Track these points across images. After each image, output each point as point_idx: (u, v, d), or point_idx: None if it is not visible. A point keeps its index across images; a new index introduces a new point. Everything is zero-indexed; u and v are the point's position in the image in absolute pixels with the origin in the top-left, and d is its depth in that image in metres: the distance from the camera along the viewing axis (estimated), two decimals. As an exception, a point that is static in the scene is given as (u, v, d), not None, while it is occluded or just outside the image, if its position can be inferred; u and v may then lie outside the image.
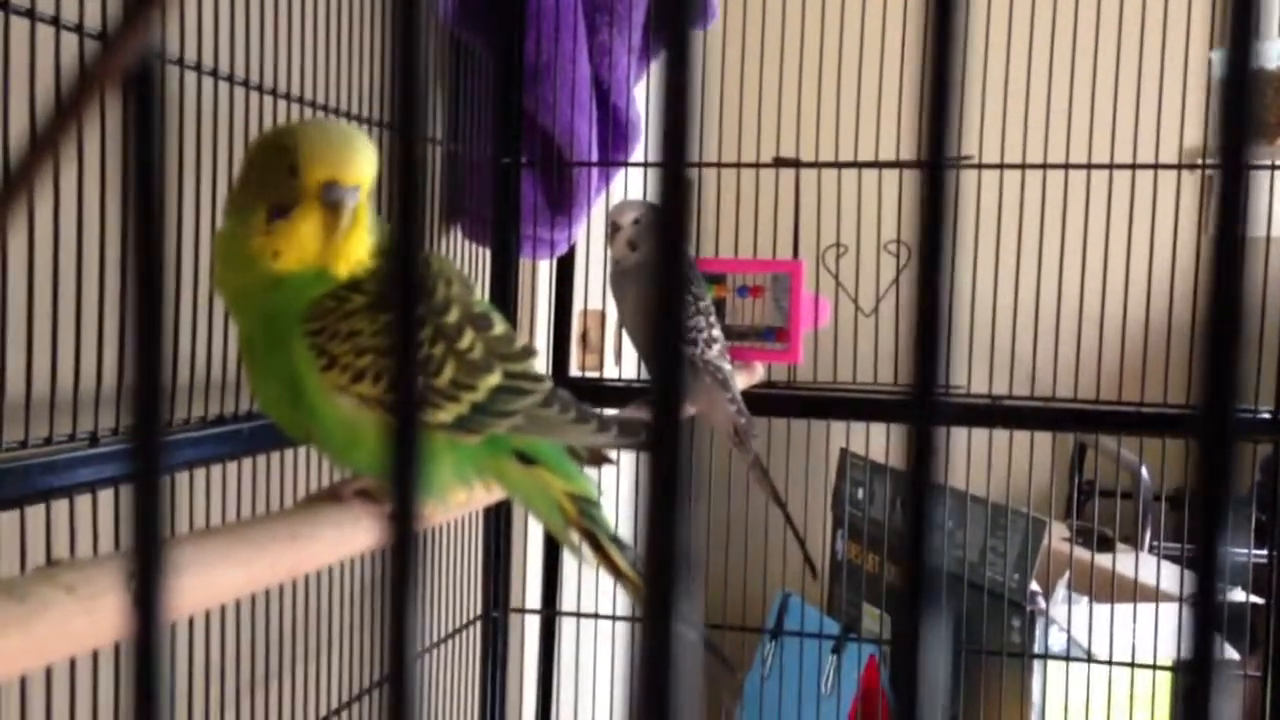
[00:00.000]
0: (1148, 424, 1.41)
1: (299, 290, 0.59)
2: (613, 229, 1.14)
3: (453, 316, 0.61)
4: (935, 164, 0.18)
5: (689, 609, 0.18)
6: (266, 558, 0.49)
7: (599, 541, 0.65)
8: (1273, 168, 1.31)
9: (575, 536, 0.65)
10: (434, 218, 1.32)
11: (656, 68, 1.50)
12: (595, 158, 1.37)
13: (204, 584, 0.46)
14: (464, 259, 1.37)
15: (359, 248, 0.59)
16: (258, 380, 0.62)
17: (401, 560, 0.20)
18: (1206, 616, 0.18)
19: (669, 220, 0.18)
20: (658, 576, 0.18)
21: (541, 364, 1.07)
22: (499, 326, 0.63)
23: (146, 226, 0.19)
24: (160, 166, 0.19)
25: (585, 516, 0.65)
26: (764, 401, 1.34)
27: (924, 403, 0.19)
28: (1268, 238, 1.14)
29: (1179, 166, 1.40)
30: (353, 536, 0.55)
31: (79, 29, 0.76)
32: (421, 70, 0.18)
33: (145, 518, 0.22)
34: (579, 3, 1.32)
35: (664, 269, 0.18)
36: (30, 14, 0.73)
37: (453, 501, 0.65)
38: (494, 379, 0.61)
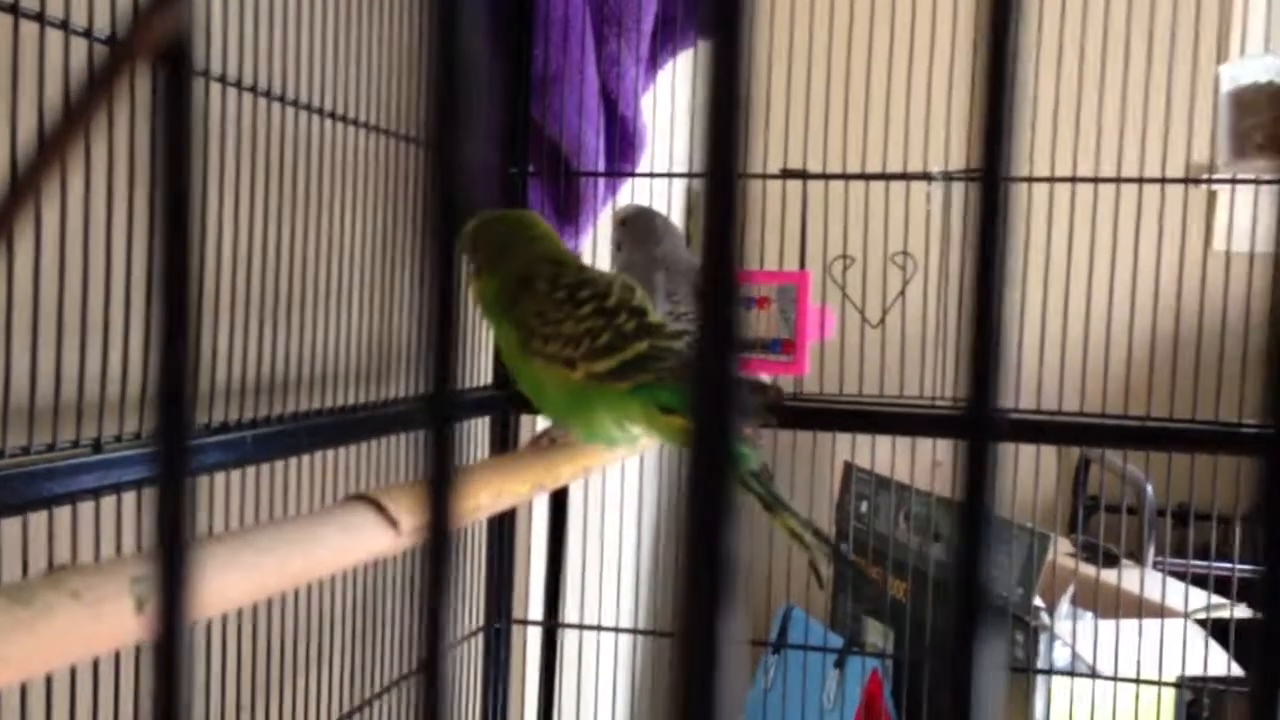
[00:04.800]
0: (1154, 438, 1.40)
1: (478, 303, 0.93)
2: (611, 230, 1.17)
3: (611, 301, 0.86)
4: (992, 179, 0.18)
5: (734, 621, 0.18)
6: (273, 564, 0.48)
7: (741, 476, 0.75)
8: (1277, 182, 1.31)
9: None
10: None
11: (680, 76, 1.50)
12: (602, 167, 1.37)
13: (210, 590, 0.45)
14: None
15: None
16: (508, 366, 0.92)
17: (438, 550, 0.20)
18: (1274, 637, 0.17)
19: (718, 227, 0.17)
20: (700, 586, 0.17)
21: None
22: (655, 318, 0.87)
23: (174, 233, 0.18)
24: (189, 174, 0.18)
25: None
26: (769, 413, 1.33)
27: (981, 419, 0.18)
28: (1277, 254, 1.13)
29: (1186, 181, 1.40)
30: (360, 543, 0.55)
31: (88, 34, 0.76)
32: (461, 87, 0.18)
33: (169, 523, 0.22)
34: (587, 13, 1.32)
35: (715, 274, 0.17)
36: (40, 18, 0.73)
37: (617, 445, 0.89)
38: (641, 347, 0.84)
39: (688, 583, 0.18)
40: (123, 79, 0.18)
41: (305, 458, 1.03)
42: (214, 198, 0.90)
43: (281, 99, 0.98)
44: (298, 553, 0.49)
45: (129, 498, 0.82)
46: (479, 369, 1.39)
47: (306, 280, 1.04)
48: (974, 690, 0.19)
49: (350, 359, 1.13)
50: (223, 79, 0.90)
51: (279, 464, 1.00)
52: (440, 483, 0.21)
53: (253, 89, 0.94)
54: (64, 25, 0.75)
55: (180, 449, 0.22)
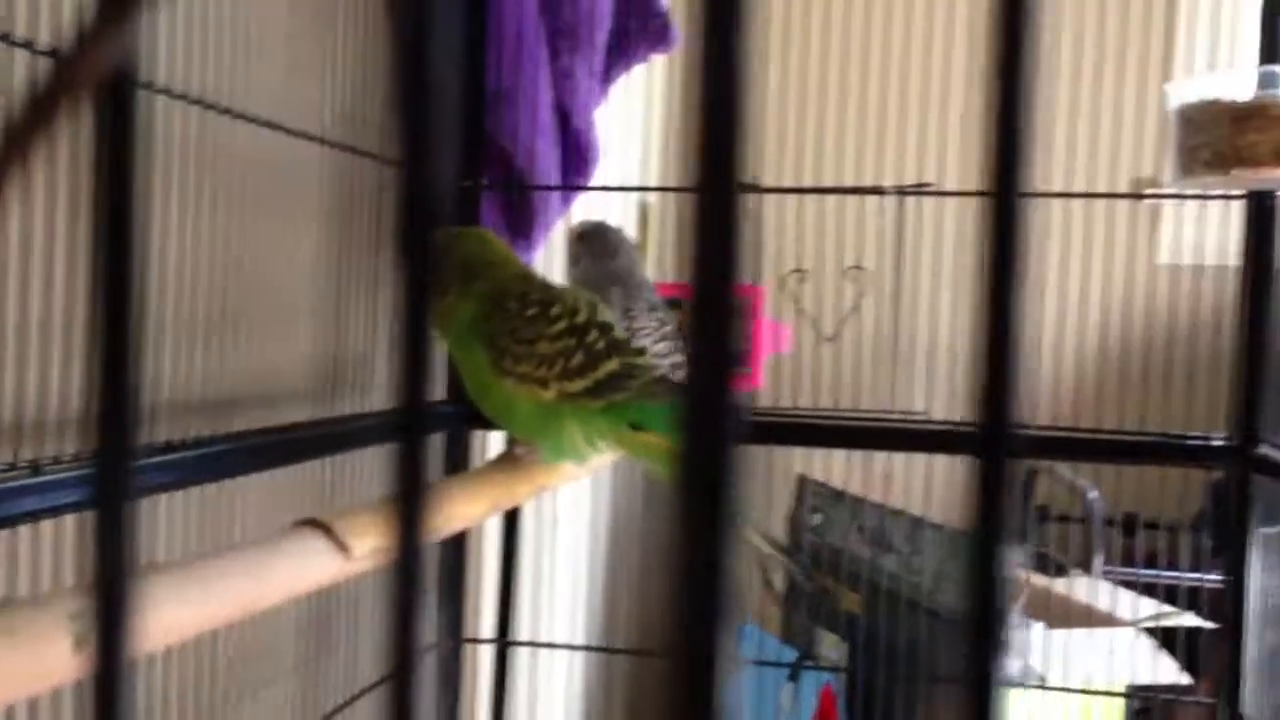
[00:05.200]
0: (1103, 451, 1.42)
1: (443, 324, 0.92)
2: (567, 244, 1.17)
3: (581, 318, 0.87)
4: (1007, 197, 0.17)
5: (731, 640, 0.17)
6: (222, 595, 0.46)
7: None
8: (1227, 198, 1.32)
9: None
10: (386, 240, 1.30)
11: (634, 90, 1.49)
12: (556, 181, 1.36)
13: (156, 624, 0.43)
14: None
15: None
16: (467, 383, 0.93)
17: (409, 570, 0.19)
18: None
19: (715, 241, 0.16)
20: (696, 606, 0.16)
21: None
22: (619, 333, 0.90)
23: (118, 252, 0.17)
24: (135, 193, 0.17)
25: None
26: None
27: (997, 437, 0.17)
28: (1243, 272, 1.14)
29: (1133, 196, 1.42)
30: (311, 569, 0.53)
31: (29, 46, 0.74)
32: (434, 110, 0.17)
33: (109, 555, 0.21)
34: (540, 26, 1.31)
35: (709, 293, 0.16)
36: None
37: (584, 462, 0.91)
38: (612, 365, 0.86)
39: (682, 603, 0.17)
40: (64, 105, 0.17)
41: (252, 477, 1.00)
42: (158, 211, 0.88)
43: (229, 112, 0.96)
44: (247, 583, 0.48)
45: (70, 521, 0.79)
46: (432, 383, 1.37)
47: (254, 295, 1.02)
48: (990, 712, 0.18)
49: (298, 376, 1.11)
50: (168, 91, 0.88)
51: (224, 484, 0.97)
52: (412, 498, 0.21)
53: (199, 102, 0.92)
54: (4, 38, 0.73)
55: (122, 474, 0.21)
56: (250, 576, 0.50)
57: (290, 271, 1.08)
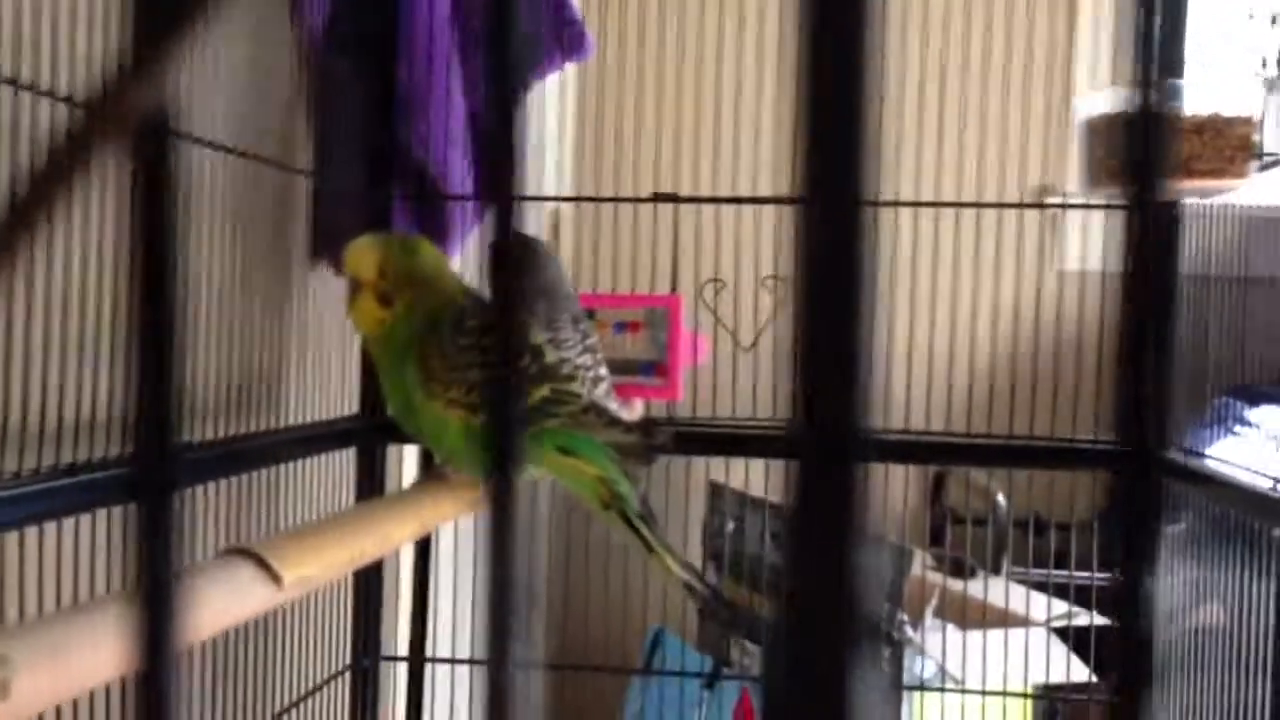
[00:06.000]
0: (1013, 456, 1.44)
1: (385, 337, 0.90)
2: None
3: None
4: (1139, 203, 0.16)
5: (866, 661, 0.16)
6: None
7: (628, 517, 0.87)
8: (1130, 207, 1.36)
9: (611, 514, 0.87)
10: (299, 252, 1.26)
11: (549, 98, 1.48)
12: (469, 190, 1.34)
13: (76, 667, 0.41)
14: (334, 294, 1.31)
15: (366, 314, 0.89)
16: (391, 399, 0.94)
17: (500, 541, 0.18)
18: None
19: (836, 260, 0.15)
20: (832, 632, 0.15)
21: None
22: (550, 357, 0.89)
23: (158, 289, 0.16)
24: (172, 248, 0.16)
25: (614, 496, 0.87)
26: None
27: (1141, 455, 0.17)
28: (1123, 286, 1.17)
29: (1041, 206, 1.45)
30: (242, 601, 0.51)
31: (51, 94, 0.72)
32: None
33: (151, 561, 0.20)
34: (452, 31, 1.29)
35: (832, 311, 0.15)
36: (14, 82, 0.68)
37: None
38: (544, 391, 0.86)
39: (807, 626, 0.16)
40: (97, 150, 0.16)
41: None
42: (60, 224, 0.84)
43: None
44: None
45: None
46: (345, 397, 1.34)
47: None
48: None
49: (206, 390, 1.07)
50: (69, 99, 0.84)
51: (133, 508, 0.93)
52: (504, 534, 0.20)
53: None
54: (32, 88, 0.70)
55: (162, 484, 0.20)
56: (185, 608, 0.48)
57: (193, 282, 1.04)
